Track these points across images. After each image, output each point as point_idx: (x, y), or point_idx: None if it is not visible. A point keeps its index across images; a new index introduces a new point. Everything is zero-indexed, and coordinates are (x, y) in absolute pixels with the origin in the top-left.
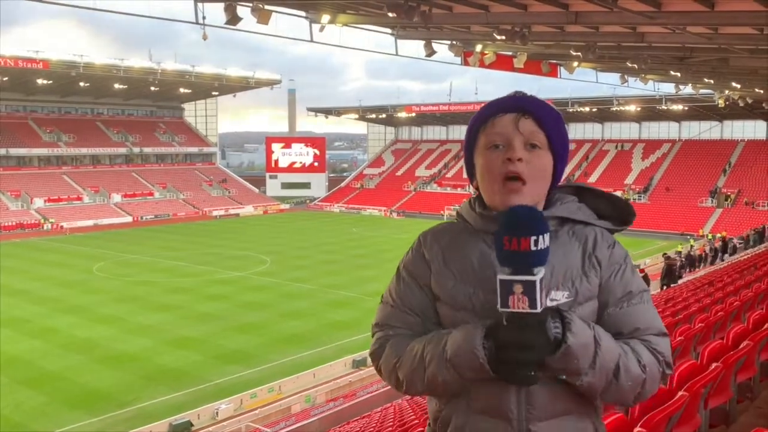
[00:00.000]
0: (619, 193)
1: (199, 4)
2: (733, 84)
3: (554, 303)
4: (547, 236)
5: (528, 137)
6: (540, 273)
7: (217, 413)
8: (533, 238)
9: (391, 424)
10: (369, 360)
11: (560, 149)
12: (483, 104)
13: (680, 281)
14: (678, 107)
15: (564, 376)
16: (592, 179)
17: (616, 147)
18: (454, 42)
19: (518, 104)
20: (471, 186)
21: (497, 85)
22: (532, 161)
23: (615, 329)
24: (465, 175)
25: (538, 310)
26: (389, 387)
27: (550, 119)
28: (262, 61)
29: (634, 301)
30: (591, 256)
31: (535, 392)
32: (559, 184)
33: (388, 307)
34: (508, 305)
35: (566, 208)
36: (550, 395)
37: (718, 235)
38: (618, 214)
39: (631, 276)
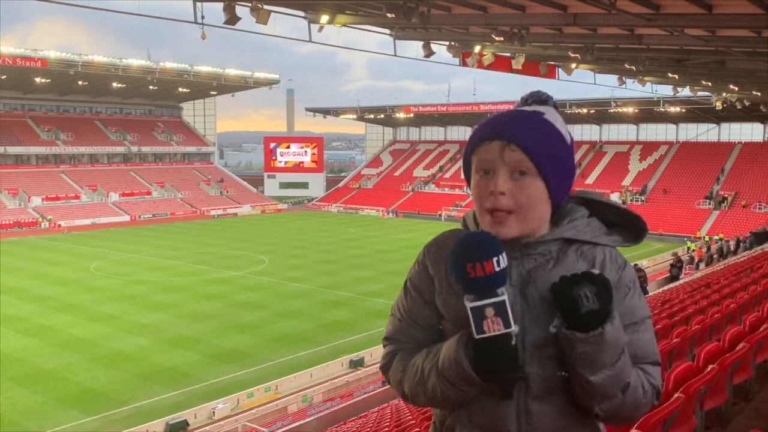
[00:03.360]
0: (616, 195)
1: (198, 4)
2: (731, 86)
3: (557, 329)
4: (504, 255)
5: (514, 166)
6: (504, 293)
7: (213, 413)
8: (495, 259)
9: (387, 424)
10: (366, 360)
11: (553, 173)
12: (480, 110)
13: (677, 283)
14: (675, 109)
15: (580, 367)
16: (590, 181)
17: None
18: (453, 43)
19: (502, 131)
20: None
21: (499, 86)
22: (518, 191)
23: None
24: (467, 191)
25: (513, 327)
26: (386, 387)
27: (540, 145)
28: (265, 60)
29: (637, 328)
30: None
31: (535, 410)
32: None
33: (396, 320)
34: (483, 331)
35: (573, 227)
36: (551, 413)
37: (716, 237)
38: (629, 227)
39: (638, 302)
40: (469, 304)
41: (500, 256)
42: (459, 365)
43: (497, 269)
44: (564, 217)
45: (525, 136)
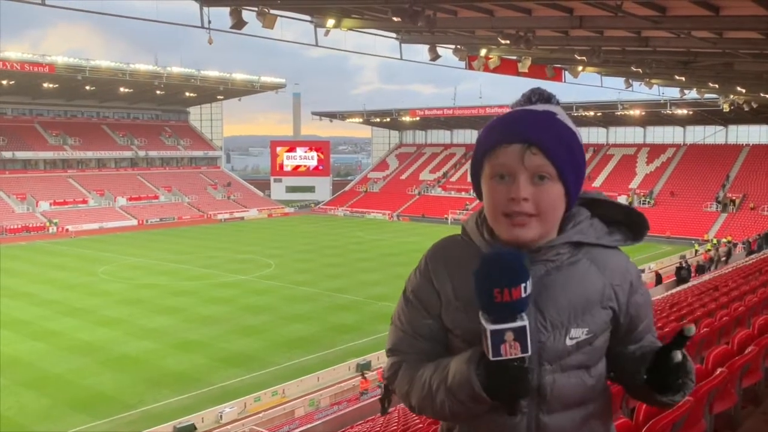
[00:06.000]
0: (623, 198)
1: (205, 9)
2: (738, 88)
3: (574, 341)
4: (530, 280)
5: (535, 171)
6: (525, 318)
7: (221, 416)
8: (523, 285)
9: (395, 427)
10: (372, 363)
11: (572, 177)
12: (486, 113)
13: (685, 286)
14: (682, 112)
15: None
16: (597, 183)
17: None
18: (459, 46)
19: (523, 134)
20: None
21: (504, 89)
22: (539, 196)
23: (641, 338)
24: (473, 194)
25: (530, 352)
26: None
27: (560, 148)
28: (275, 64)
29: (649, 316)
30: (610, 286)
31: (548, 424)
32: None
33: (399, 331)
34: (500, 354)
35: (579, 231)
36: (563, 424)
37: (724, 239)
38: (631, 223)
39: (646, 296)
40: (489, 327)
41: (528, 282)
42: (470, 385)
43: (524, 295)
44: (569, 221)
45: (545, 139)
